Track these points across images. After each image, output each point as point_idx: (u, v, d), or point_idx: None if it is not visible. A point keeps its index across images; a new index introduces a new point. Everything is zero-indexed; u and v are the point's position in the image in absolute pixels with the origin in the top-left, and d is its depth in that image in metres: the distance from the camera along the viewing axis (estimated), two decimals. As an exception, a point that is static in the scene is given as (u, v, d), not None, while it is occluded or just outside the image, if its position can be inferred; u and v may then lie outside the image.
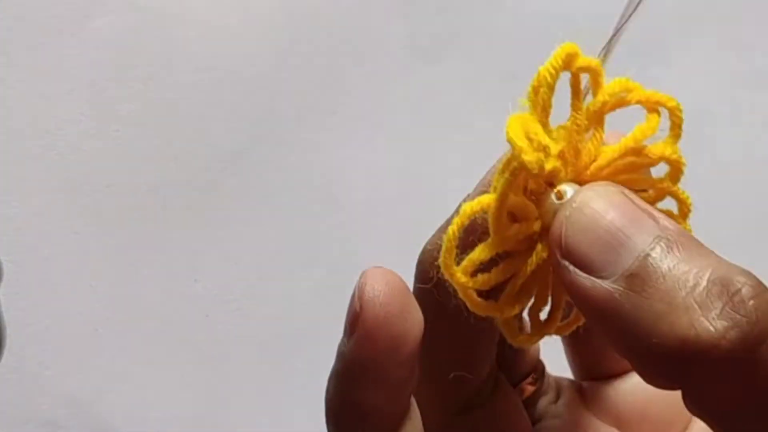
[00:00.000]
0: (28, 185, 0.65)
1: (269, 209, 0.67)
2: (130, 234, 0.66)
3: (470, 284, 0.26)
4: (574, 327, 0.28)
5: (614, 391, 0.32)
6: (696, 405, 0.23)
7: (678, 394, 0.23)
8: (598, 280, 0.24)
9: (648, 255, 0.23)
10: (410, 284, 0.28)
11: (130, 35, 0.66)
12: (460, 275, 0.26)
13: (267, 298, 0.67)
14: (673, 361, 0.22)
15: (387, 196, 0.67)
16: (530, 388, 0.32)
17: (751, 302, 0.22)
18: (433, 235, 0.28)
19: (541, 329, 0.27)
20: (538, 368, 0.33)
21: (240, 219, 0.67)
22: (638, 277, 0.23)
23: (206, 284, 0.66)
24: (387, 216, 0.67)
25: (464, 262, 0.26)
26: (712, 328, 0.22)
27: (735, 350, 0.22)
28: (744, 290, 0.22)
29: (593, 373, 0.33)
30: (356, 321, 0.26)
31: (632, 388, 0.32)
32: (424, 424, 0.29)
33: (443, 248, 0.26)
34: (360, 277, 0.26)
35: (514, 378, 0.32)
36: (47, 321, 0.65)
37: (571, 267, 0.24)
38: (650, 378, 0.24)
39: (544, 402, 0.32)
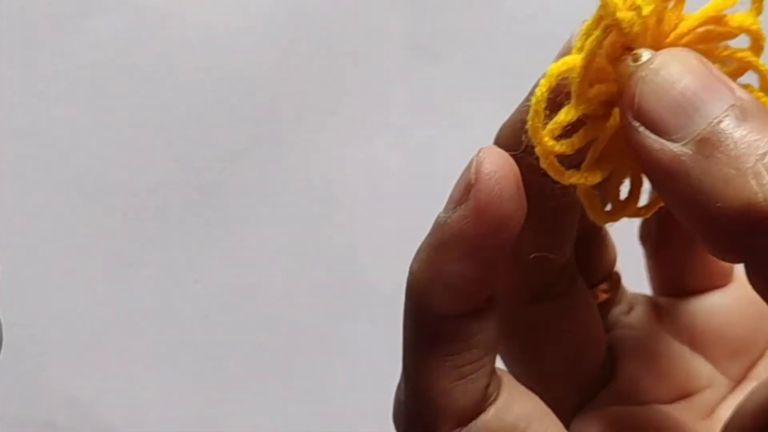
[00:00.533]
0: (27, 185, 0.65)
1: (269, 209, 0.67)
2: (129, 234, 0.66)
3: (557, 148, 0.26)
4: (654, 209, 0.28)
5: (691, 308, 0.32)
6: (760, 278, 0.23)
7: (756, 316, 0.23)
8: (668, 143, 0.24)
9: (720, 121, 0.23)
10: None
11: (130, 35, 0.66)
12: (547, 139, 0.26)
13: (267, 299, 0.67)
14: (738, 228, 0.22)
15: (387, 196, 0.67)
16: (604, 295, 0.32)
17: None
18: (514, 112, 0.28)
19: (623, 207, 0.27)
20: (614, 277, 0.33)
21: (240, 219, 0.67)
22: (708, 143, 0.23)
23: (206, 284, 0.66)
24: (387, 216, 0.67)
25: (549, 125, 0.26)
26: None
27: None
28: None
29: (672, 288, 0.33)
30: (468, 192, 0.26)
31: (710, 307, 0.32)
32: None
33: (531, 112, 0.26)
34: (477, 152, 0.26)
35: (588, 283, 0.32)
36: (45, 321, 0.65)
37: (642, 128, 0.24)
38: (715, 248, 0.24)
39: (616, 312, 0.33)
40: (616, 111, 0.26)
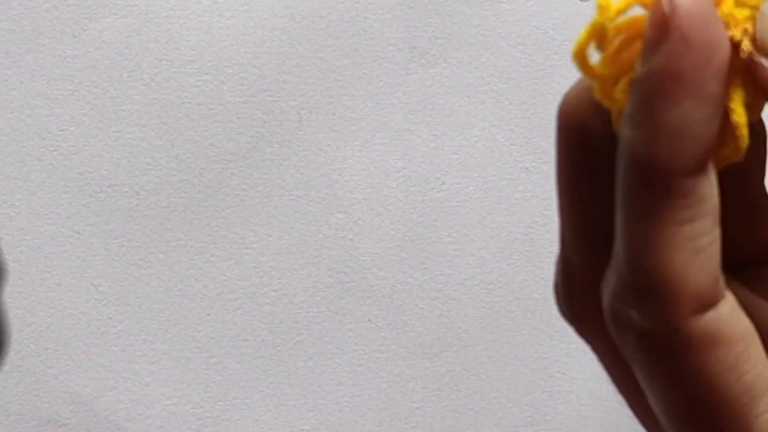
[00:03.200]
0: (31, 185, 0.65)
1: (270, 209, 0.67)
2: (132, 233, 0.66)
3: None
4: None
5: None
6: None
7: None
8: None
9: None
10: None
11: (132, 37, 0.66)
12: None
13: (267, 297, 0.67)
14: None
15: (387, 196, 0.68)
16: None
17: None
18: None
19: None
20: None
21: (241, 219, 0.67)
22: None
23: (207, 283, 0.66)
24: (386, 215, 0.67)
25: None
26: None
27: None
28: None
29: (750, 256, 0.29)
30: (666, 26, 0.23)
31: None
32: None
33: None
34: None
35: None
36: (49, 320, 0.65)
37: (765, 61, 0.23)
38: None
39: None
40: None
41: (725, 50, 0.24)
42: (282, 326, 0.67)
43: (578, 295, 0.27)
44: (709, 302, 0.24)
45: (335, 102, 0.67)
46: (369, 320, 0.67)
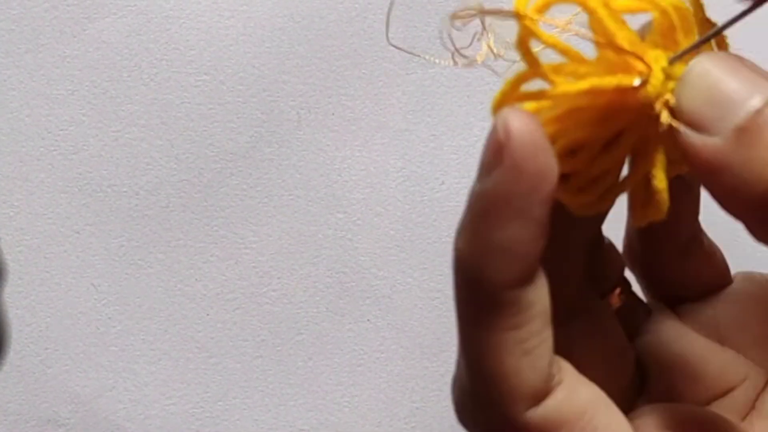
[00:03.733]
0: (30, 185, 0.65)
1: (269, 209, 0.67)
2: (131, 233, 0.66)
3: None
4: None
5: (707, 306, 0.31)
6: None
7: None
8: (708, 138, 0.24)
9: (759, 111, 0.23)
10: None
11: (132, 37, 0.66)
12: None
13: (267, 297, 0.67)
14: None
15: (387, 196, 0.68)
16: (618, 301, 0.31)
17: None
18: None
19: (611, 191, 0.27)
20: (625, 282, 0.32)
21: (240, 219, 0.67)
22: (747, 131, 0.23)
23: (207, 283, 0.66)
24: (385, 216, 0.67)
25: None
26: None
27: None
28: None
29: (673, 297, 0.32)
30: (500, 153, 0.25)
31: (726, 301, 0.31)
32: None
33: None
34: (497, 117, 0.25)
35: (601, 291, 0.31)
36: (49, 319, 0.65)
37: (683, 127, 0.24)
38: (760, 233, 0.24)
39: (635, 318, 0.31)
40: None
41: (552, 179, 0.25)
42: (281, 326, 0.67)
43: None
44: (543, 394, 0.26)
45: (335, 102, 0.67)
46: (368, 320, 0.67)
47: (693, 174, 0.25)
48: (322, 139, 0.67)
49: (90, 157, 0.65)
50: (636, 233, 0.31)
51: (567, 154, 0.26)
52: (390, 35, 0.68)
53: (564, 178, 0.26)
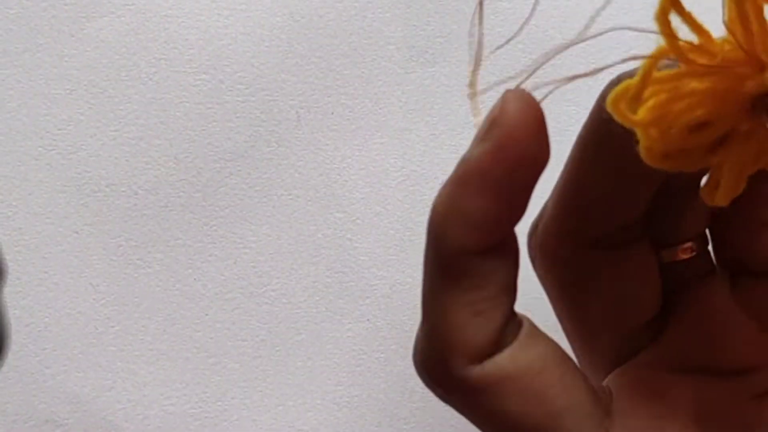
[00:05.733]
0: (28, 185, 0.65)
1: (268, 209, 0.67)
2: (130, 233, 0.66)
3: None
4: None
5: (765, 288, 0.31)
6: None
7: None
8: None
9: None
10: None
11: (130, 36, 0.66)
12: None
13: (266, 297, 0.67)
14: None
15: (386, 196, 0.68)
16: (683, 255, 0.31)
17: None
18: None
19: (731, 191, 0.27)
20: (701, 241, 0.32)
21: (239, 218, 0.67)
22: None
23: (206, 283, 0.66)
24: (385, 216, 0.67)
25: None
26: None
27: None
28: None
29: (748, 267, 0.32)
30: (492, 128, 0.27)
31: None
32: (550, 242, 0.29)
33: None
34: (504, 94, 0.27)
35: (672, 236, 0.31)
36: (47, 319, 0.65)
37: None
38: None
39: (693, 272, 0.32)
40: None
41: (538, 166, 0.26)
42: (280, 326, 0.67)
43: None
44: (487, 353, 0.27)
45: (334, 101, 0.67)
46: (368, 320, 0.67)
47: None
48: (321, 139, 0.67)
49: (88, 157, 0.65)
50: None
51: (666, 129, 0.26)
52: (389, 34, 0.68)
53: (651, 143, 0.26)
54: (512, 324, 0.28)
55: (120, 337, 0.66)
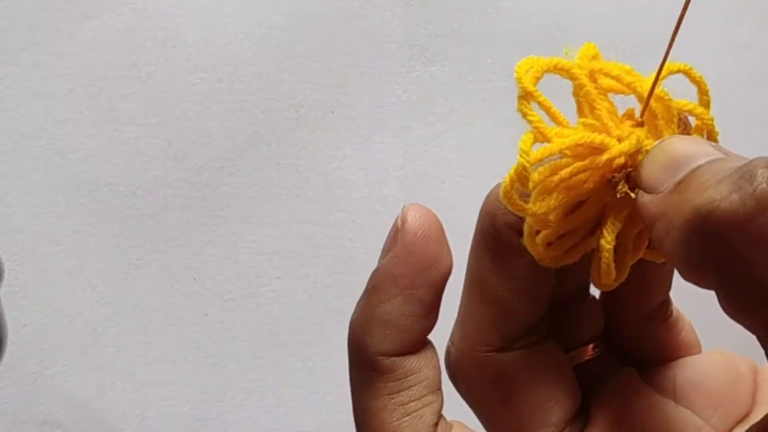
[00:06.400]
0: (27, 184, 0.65)
1: (268, 208, 0.67)
2: (128, 233, 0.66)
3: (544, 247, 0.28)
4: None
5: (670, 368, 0.33)
6: (731, 297, 0.24)
7: (732, 379, 0.27)
8: (656, 195, 0.26)
9: (699, 166, 0.25)
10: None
11: (129, 35, 0.66)
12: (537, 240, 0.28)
13: (265, 296, 0.67)
14: (696, 238, 0.23)
15: (386, 195, 0.68)
16: (590, 353, 0.33)
17: (762, 176, 0.23)
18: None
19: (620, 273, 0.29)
20: (601, 341, 0.33)
21: (239, 218, 0.67)
22: (684, 182, 0.25)
23: (205, 283, 0.66)
24: (386, 215, 0.67)
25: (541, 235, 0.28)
26: (717, 195, 0.23)
27: (736, 212, 0.23)
28: (760, 172, 0.23)
29: (644, 358, 0.33)
30: (396, 237, 0.29)
31: (689, 365, 0.33)
32: (464, 355, 0.31)
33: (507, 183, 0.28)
34: (403, 208, 0.29)
35: (574, 340, 0.33)
36: (46, 320, 0.65)
37: (641, 193, 0.26)
38: (686, 270, 0.25)
39: (602, 370, 0.33)
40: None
41: (442, 267, 0.29)
42: (280, 326, 0.67)
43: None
44: None
45: (334, 100, 0.67)
46: (368, 320, 0.67)
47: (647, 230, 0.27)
48: (321, 138, 0.67)
49: (87, 156, 0.65)
50: (603, 297, 0.33)
51: (544, 213, 0.28)
52: (390, 33, 0.68)
53: (535, 232, 0.28)
54: (443, 423, 0.30)
55: (119, 337, 0.66)
